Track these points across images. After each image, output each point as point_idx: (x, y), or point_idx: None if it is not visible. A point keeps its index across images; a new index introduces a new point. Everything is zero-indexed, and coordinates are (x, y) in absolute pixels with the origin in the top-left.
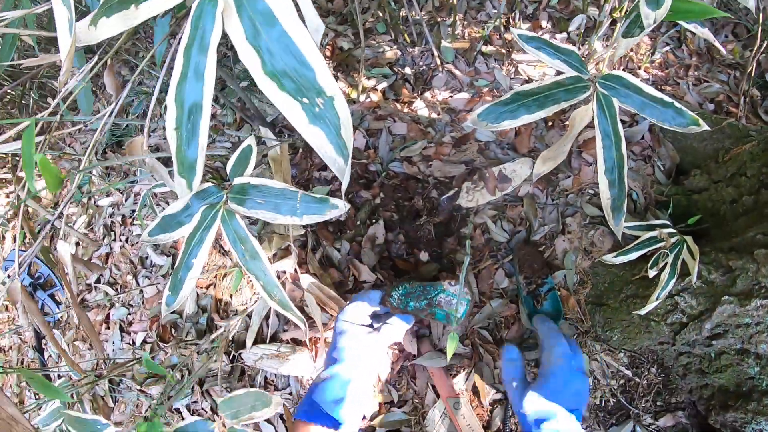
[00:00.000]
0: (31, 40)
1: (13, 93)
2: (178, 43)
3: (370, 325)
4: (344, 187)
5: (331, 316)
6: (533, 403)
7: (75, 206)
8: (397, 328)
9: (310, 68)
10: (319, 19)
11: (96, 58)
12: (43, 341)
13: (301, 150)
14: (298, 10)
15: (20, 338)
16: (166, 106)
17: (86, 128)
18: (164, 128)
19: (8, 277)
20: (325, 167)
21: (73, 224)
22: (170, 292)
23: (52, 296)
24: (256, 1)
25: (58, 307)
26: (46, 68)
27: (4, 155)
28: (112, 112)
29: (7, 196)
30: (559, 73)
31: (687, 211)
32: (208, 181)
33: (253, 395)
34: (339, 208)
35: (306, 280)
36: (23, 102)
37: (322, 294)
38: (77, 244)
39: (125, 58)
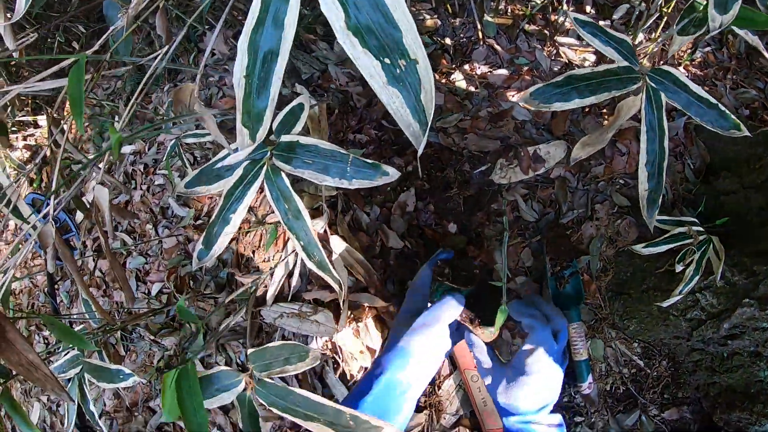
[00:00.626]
0: None
1: (37, 36)
2: None
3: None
4: (419, 153)
5: (357, 279)
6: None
7: (95, 152)
8: (452, 306)
9: (397, 28)
10: None
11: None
12: (56, 286)
13: (336, 111)
14: None
15: (32, 282)
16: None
17: (110, 74)
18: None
19: (42, 218)
20: (360, 129)
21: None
22: (203, 246)
23: (67, 242)
24: None
25: (73, 254)
26: (72, 13)
27: (23, 96)
28: (166, 54)
29: (25, 139)
30: (600, 61)
31: (713, 212)
32: None
33: (288, 348)
34: (390, 175)
35: (337, 242)
36: (46, 46)
37: (350, 257)
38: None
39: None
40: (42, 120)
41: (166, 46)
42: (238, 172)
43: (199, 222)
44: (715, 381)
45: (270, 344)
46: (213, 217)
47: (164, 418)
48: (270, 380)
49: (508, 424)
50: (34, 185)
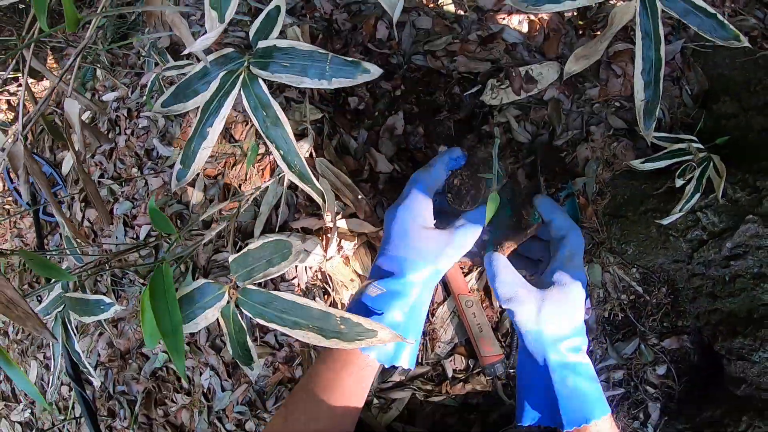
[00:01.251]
0: None
1: None
2: None
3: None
4: (395, 18)
5: (346, 205)
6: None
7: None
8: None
9: None
10: None
11: None
12: (46, 241)
13: (321, 36)
14: None
15: (22, 241)
16: None
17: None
18: None
19: (9, 141)
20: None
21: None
22: (181, 165)
23: (54, 195)
24: None
25: (43, 173)
26: None
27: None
28: None
29: (8, 100)
30: None
31: (714, 135)
32: (228, 46)
33: (269, 246)
34: (371, 72)
35: (322, 164)
36: None
37: (337, 180)
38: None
39: None
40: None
41: None
42: (215, 84)
43: None
44: (717, 307)
45: (250, 246)
46: (190, 133)
47: (147, 344)
48: (253, 287)
49: (552, 359)
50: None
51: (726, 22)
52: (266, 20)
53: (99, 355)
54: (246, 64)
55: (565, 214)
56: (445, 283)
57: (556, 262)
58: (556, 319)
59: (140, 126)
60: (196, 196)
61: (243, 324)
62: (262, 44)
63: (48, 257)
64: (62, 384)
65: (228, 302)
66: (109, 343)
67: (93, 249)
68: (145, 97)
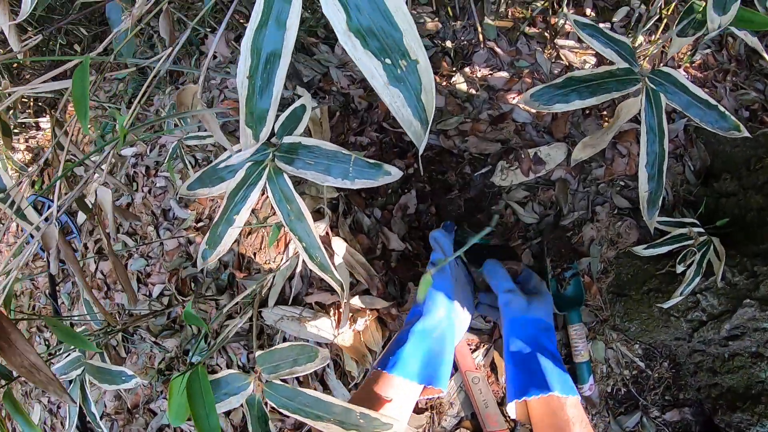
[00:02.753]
0: None
1: (40, 38)
2: None
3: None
4: (420, 152)
5: (358, 281)
6: None
7: (97, 156)
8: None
9: (397, 29)
10: None
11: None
12: (58, 288)
13: (338, 113)
14: None
15: (33, 284)
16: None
17: (112, 77)
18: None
19: (45, 220)
20: (361, 132)
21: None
22: (207, 246)
23: (69, 243)
24: None
25: (75, 255)
26: (74, 16)
27: (25, 99)
28: (169, 56)
29: (26, 141)
30: (600, 63)
31: (713, 214)
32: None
33: (297, 349)
34: (392, 174)
35: (338, 244)
36: (47, 48)
37: (352, 258)
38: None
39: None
40: (44, 122)
41: (169, 48)
42: (241, 173)
43: (201, 224)
44: (717, 382)
45: (278, 346)
46: (217, 218)
47: (171, 422)
48: (278, 382)
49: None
50: (36, 187)
51: (727, 113)
52: (292, 116)
53: (105, 406)
54: (271, 157)
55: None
56: (454, 361)
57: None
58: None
59: (158, 185)
60: (200, 266)
61: (266, 411)
62: (287, 140)
63: (68, 322)
64: None
65: (253, 392)
66: (117, 396)
67: (104, 302)
68: (164, 158)
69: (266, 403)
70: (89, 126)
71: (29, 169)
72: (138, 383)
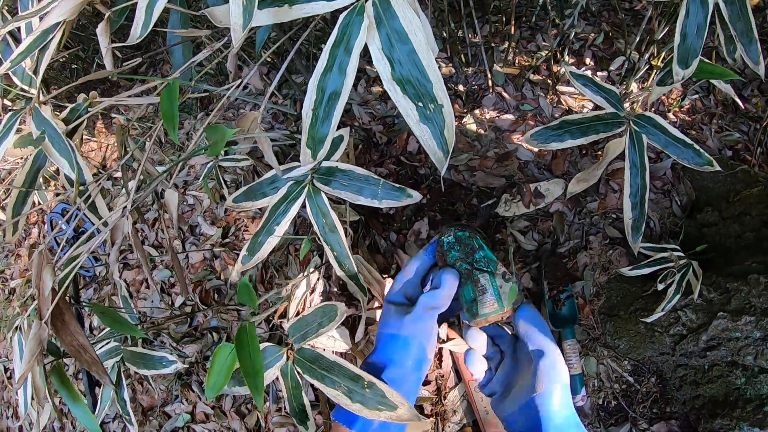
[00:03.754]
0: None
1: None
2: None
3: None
4: (442, 173)
5: (374, 297)
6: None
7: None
8: (438, 294)
9: (429, 81)
10: (435, 43)
11: (224, 40)
12: (80, 294)
13: (360, 146)
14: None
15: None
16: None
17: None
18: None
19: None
20: (381, 163)
21: (123, 188)
22: (247, 253)
23: (91, 252)
24: (394, 20)
25: (96, 263)
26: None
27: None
28: (240, 84)
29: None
30: (597, 108)
31: (697, 242)
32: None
33: (319, 311)
34: (413, 197)
35: (358, 261)
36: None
37: (369, 275)
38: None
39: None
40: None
41: (239, 80)
42: (283, 190)
43: (227, 240)
44: (699, 393)
45: (304, 312)
46: (258, 228)
47: (207, 394)
48: (307, 346)
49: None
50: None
51: (701, 150)
52: (331, 144)
53: (119, 408)
54: (310, 178)
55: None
56: (457, 371)
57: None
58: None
59: (186, 203)
60: (234, 274)
61: (300, 381)
62: (326, 164)
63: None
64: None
65: (287, 362)
66: (132, 398)
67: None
68: (192, 177)
69: (300, 374)
70: (179, 137)
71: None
72: (177, 368)
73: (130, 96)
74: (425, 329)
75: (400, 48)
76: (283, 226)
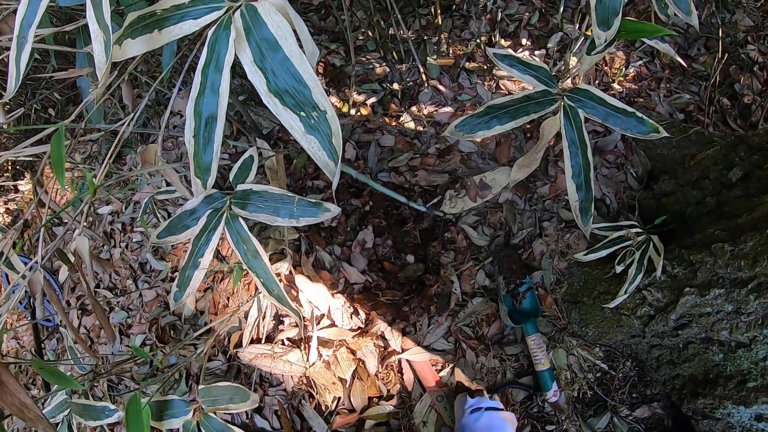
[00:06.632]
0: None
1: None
2: (190, 63)
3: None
4: (334, 186)
5: (323, 315)
6: None
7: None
8: None
9: (306, 87)
10: (314, 45)
11: (116, 72)
12: (43, 345)
13: (295, 161)
14: (297, 38)
15: (18, 343)
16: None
17: (86, 140)
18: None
19: (30, 269)
20: (317, 176)
21: (73, 231)
22: (178, 289)
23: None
24: (263, 29)
25: (59, 297)
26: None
27: (4, 163)
28: (132, 120)
29: (6, 204)
30: None
31: (657, 214)
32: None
33: (232, 389)
34: (331, 211)
35: (301, 280)
36: (23, 113)
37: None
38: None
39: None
40: (22, 185)
41: (132, 113)
42: (203, 220)
43: (176, 274)
44: (678, 373)
45: (217, 384)
46: (184, 262)
47: None
48: (213, 415)
49: None
50: (17, 248)
51: (645, 117)
52: (243, 166)
53: None
54: (228, 203)
55: None
56: (419, 380)
57: None
58: None
59: (134, 240)
60: (187, 308)
61: None
62: (240, 187)
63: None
64: None
65: (191, 419)
66: None
67: (87, 356)
68: (139, 215)
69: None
70: (66, 186)
71: (9, 230)
72: (120, 416)
73: (25, 147)
74: None
75: (272, 57)
76: (207, 257)
